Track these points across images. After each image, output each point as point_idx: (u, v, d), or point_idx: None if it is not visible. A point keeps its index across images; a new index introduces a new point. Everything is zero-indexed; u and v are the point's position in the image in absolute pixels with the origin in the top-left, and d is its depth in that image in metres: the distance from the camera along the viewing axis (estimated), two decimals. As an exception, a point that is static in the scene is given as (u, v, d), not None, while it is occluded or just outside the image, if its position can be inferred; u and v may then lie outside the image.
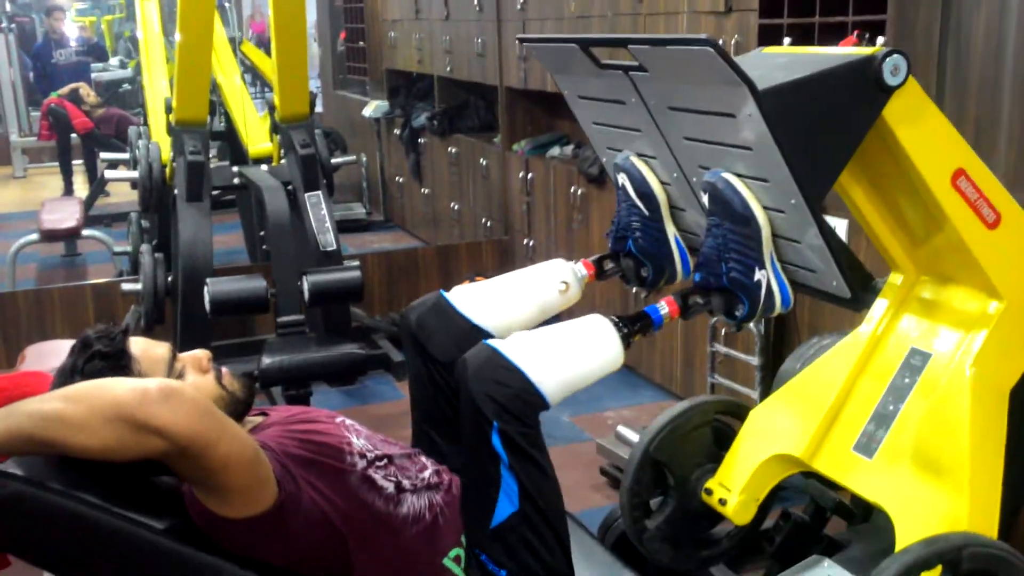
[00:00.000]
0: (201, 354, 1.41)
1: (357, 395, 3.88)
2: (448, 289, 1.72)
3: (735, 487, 1.79)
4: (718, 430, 1.95)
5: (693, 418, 1.92)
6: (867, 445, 1.66)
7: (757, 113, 1.41)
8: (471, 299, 1.66)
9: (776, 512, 2.10)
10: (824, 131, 1.50)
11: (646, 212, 1.79)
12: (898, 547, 1.49)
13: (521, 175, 4.54)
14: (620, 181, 1.83)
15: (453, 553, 1.41)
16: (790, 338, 2.90)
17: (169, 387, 1.15)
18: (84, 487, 1.23)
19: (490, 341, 1.47)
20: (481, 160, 5.00)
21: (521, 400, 1.40)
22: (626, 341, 1.55)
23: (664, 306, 1.62)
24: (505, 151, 4.73)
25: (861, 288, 1.66)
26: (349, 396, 3.90)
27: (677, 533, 1.92)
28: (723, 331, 3.15)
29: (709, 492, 1.83)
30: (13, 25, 9.69)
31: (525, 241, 4.63)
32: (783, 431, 1.80)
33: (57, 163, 7.88)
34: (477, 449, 1.41)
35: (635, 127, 1.76)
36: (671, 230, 1.81)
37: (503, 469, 1.39)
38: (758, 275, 1.56)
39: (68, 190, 7.66)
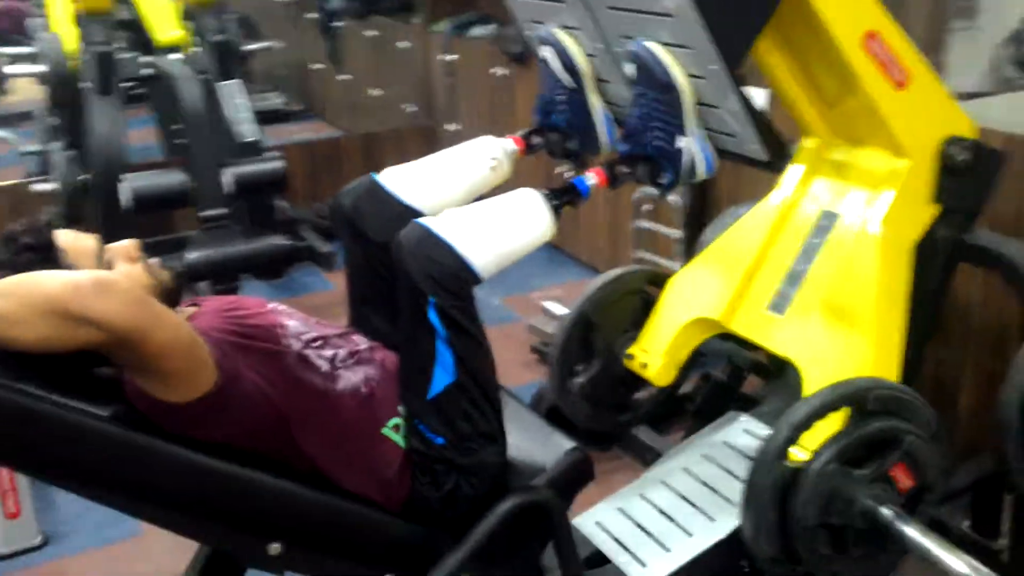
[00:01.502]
0: (129, 244, 1.40)
1: (286, 287, 3.88)
2: None
3: (656, 351, 1.87)
4: (644, 300, 2.03)
5: (624, 285, 1.99)
6: (779, 304, 1.76)
7: None
8: (403, 180, 1.67)
9: (696, 376, 2.21)
10: None
11: (571, 84, 1.80)
12: (805, 395, 1.59)
13: (442, 57, 4.47)
14: (544, 54, 1.83)
15: (392, 423, 1.47)
16: (711, 211, 2.99)
17: (102, 279, 1.16)
18: (25, 379, 1.24)
19: (422, 220, 1.49)
20: (400, 43, 4.90)
21: (455, 276, 1.44)
22: (556, 212, 1.58)
23: (591, 176, 1.65)
24: (425, 32, 4.64)
25: (777, 152, 1.72)
26: (278, 289, 3.90)
27: (598, 395, 2.02)
28: (645, 207, 3.22)
29: (631, 357, 1.91)
30: None
31: (448, 126, 4.60)
32: (701, 296, 1.89)
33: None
34: (414, 325, 1.45)
35: None
36: (596, 102, 1.82)
37: (439, 342, 1.44)
38: (681, 142, 1.60)
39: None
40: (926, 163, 1.73)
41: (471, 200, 1.70)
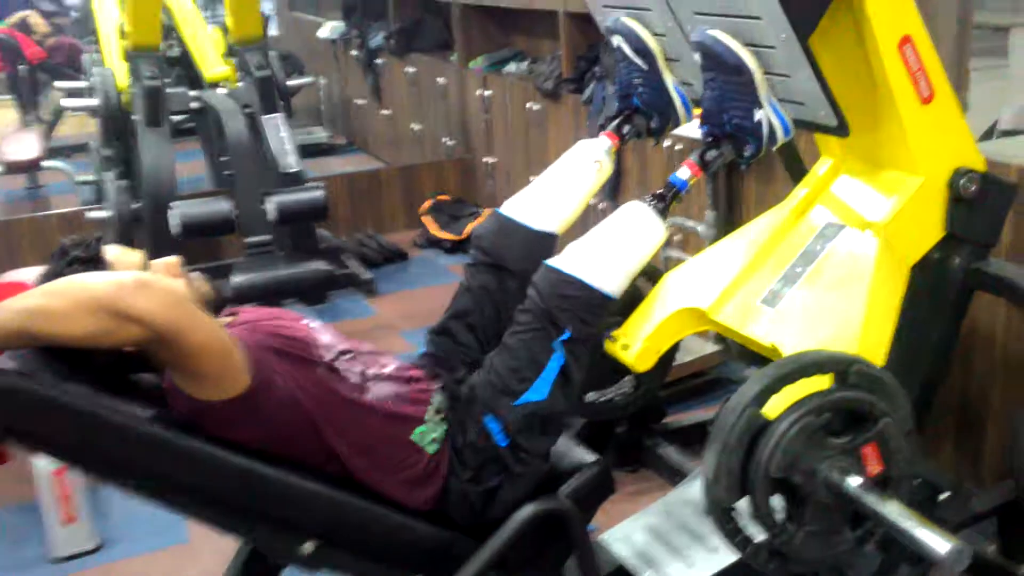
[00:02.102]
0: (173, 259, 1.50)
1: (328, 312, 3.98)
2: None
3: (639, 336, 1.92)
4: (637, 292, 2.06)
5: None
6: (772, 300, 1.81)
7: None
8: (525, 208, 1.79)
9: (722, 402, 2.25)
10: None
11: (644, 67, 1.89)
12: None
13: (479, 93, 4.59)
14: (615, 43, 1.92)
15: (418, 430, 1.55)
16: (740, 212, 3.04)
17: (144, 279, 1.26)
18: (72, 380, 1.34)
19: (550, 262, 1.63)
20: (439, 79, 5.03)
21: (589, 305, 1.58)
22: (663, 215, 1.71)
23: (685, 170, 1.75)
24: (462, 69, 4.77)
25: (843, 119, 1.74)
26: (320, 313, 4.00)
27: None
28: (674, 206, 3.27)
29: (613, 339, 1.96)
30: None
31: (485, 159, 4.70)
32: (694, 289, 1.94)
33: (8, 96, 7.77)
34: (533, 343, 1.57)
35: None
36: (669, 78, 1.91)
37: (551, 364, 1.56)
38: (758, 115, 1.68)
39: (27, 121, 7.56)
40: (937, 186, 1.79)
41: (587, 202, 1.85)
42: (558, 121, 3.96)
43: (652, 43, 1.88)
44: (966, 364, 2.33)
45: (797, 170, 2.16)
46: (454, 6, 4.69)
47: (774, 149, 1.75)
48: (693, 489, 2.16)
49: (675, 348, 2.10)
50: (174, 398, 1.38)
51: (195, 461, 1.39)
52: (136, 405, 1.38)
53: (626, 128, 1.93)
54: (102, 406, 1.33)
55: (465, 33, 4.72)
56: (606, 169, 1.87)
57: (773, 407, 1.45)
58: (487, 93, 4.54)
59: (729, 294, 1.89)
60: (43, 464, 2.35)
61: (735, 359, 3.01)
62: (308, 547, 1.49)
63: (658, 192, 1.74)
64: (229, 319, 1.53)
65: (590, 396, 2.18)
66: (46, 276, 1.40)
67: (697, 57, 1.73)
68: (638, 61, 1.89)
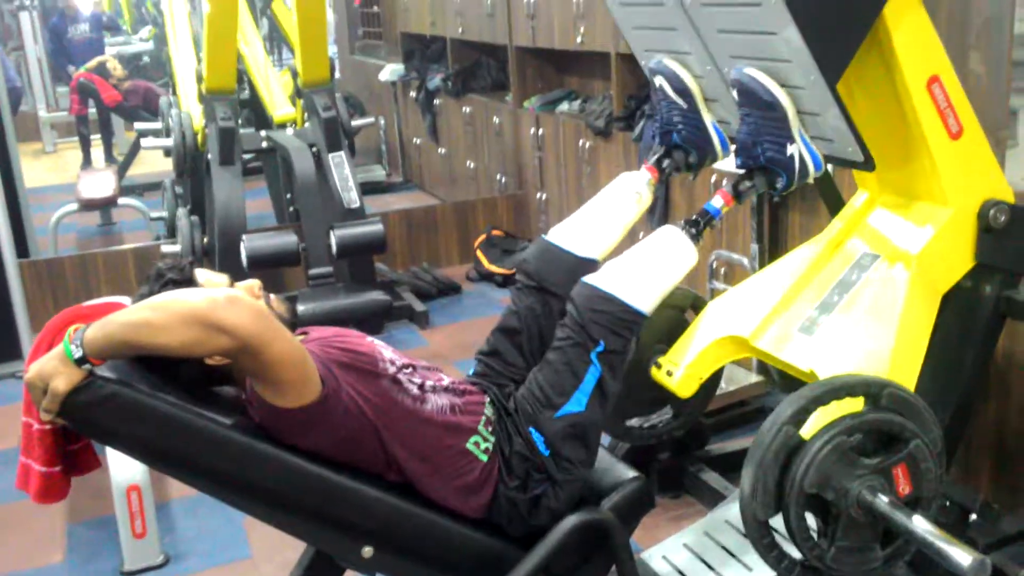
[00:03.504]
0: (253, 282, 1.66)
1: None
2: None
3: (682, 362, 2.02)
4: (683, 320, 2.18)
5: (670, 297, 2.12)
6: (809, 327, 1.90)
7: (780, 1, 1.61)
8: (570, 236, 1.93)
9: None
10: (838, 16, 1.67)
11: (684, 105, 2.01)
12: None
13: (532, 131, 4.75)
14: (657, 83, 2.05)
15: (472, 440, 1.67)
16: (784, 244, 3.12)
17: (234, 295, 1.41)
18: (164, 390, 1.49)
19: (587, 278, 1.76)
20: (494, 118, 5.20)
21: (622, 320, 1.71)
22: (696, 240, 1.83)
23: (719, 199, 1.87)
24: (516, 109, 4.93)
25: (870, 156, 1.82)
26: (376, 343, 4.15)
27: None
28: (722, 238, 3.37)
29: (659, 366, 2.07)
30: (36, 1, 9.90)
31: (538, 195, 4.84)
32: (735, 317, 2.04)
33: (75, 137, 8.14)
34: (573, 357, 1.69)
35: (671, 26, 1.96)
36: (707, 117, 2.02)
37: (588, 376, 1.68)
38: (791, 149, 1.79)
39: (108, 160, 7.93)
40: (967, 217, 1.87)
41: (628, 231, 1.98)
42: (609, 158, 4.09)
43: (692, 83, 2.00)
44: (1003, 391, 2.38)
45: (835, 202, 2.25)
46: (510, 49, 4.87)
47: (807, 182, 1.85)
48: (732, 510, 2.25)
49: (718, 375, 2.20)
50: (254, 406, 1.52)
51: (269, 466, 1.53)
52: (219, 413, 1.53)
53: (666, 162, 2.05)
54: (192, 412, 1.48)
55: (520, 74, 4.89)
56: (646, 200, 1.99)
57: (808, 428, 1.53)
58: (540, 132, 4.69)
59: (769, 322, 1.98)
60: (120, 479, 2.48)
61: (778, 389, 3.08)
62: (368, 551, 1.60)
63: (692, 218, 1.85)
64: (302, 336, 1.68)
65: (633, 422, 2.28)
66: (142, 296, 1.56)
67: (735, 93, 1.84)
68: (678, 100, 2.01)
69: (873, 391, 1.53)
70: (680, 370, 2.03)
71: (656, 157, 2.06)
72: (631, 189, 1.98)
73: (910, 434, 1.53)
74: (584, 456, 1.71)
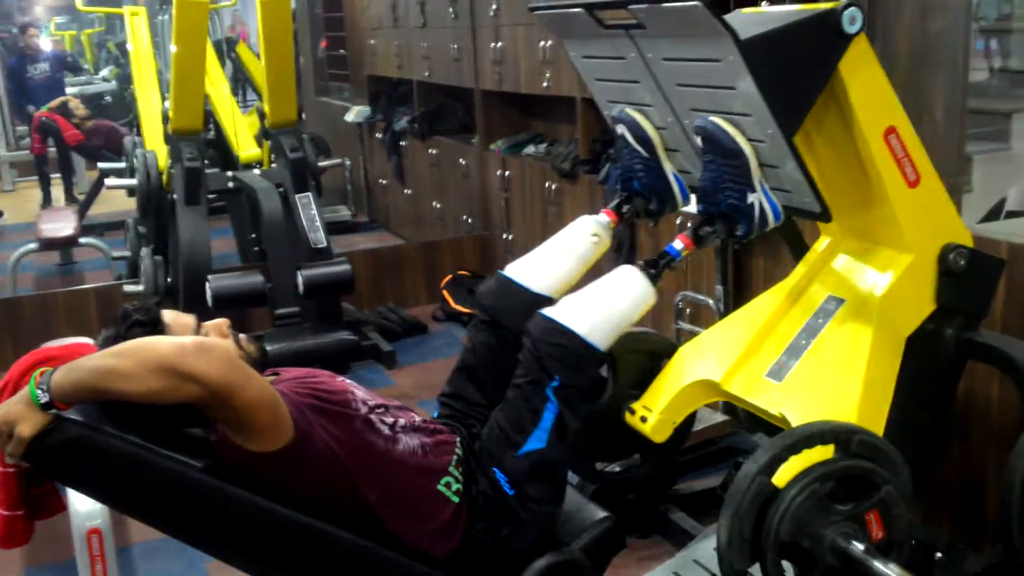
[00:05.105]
0: (222, 321, 1.65)
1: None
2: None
3: (656, 408, 2.03)
4: (657, 367, 2.18)
5: (650, 342, 2.18)
6: (778, 372, 1.93)
7: (739, 57, 1.64)
8: (527, 272, 1.95)
9: (731, 468, 2.35)
10: (794, 73, 1.70)
11: (645, 154, 2.04)
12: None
13: (499, 173, 4.78)
14: (619, 131, 2.07)
15: (443, 481, 1.66)
16: (748, 287, 3.16)
17: (202, 342, 1.40)
18: (132, 432, 1.47)
19: (545, 311, 1.77)
20: (460, 160, 5.23)
21: (577, 355, 1.71)
22: (654, 280, 1.84)
23: (679, 242, 1.89)
24: (483, 151, 4.97)
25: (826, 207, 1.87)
26: (342, 384, 4.12)
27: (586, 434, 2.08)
28: (688, 279, 3.40)
29: (632, 412, 2.07)
30: (-4, 40, 9.85)
31: (504, 236, 4.87)
32: (705, 362, 2.06)
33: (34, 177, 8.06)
34: (529, 393, 1.70)
35: (633, 79, 1.99)
36: (668, 166, 2.05)
37: (547, 413, 1.68)
38: (751, 198, 1.81)
39: (68, 199, 7.86)
40: (927, 262, 1.91)
41: (583, 272, 1.99)
42: (575, 200, 4.13)
43: (653, 133, 2.04)
44: (964, 431, 2.42)
45: (798, 247, 2.30)
46: (476, 92, 4.92)
47: (765, 231, 1.88)
48: (700, 549, 2.25)
49: (691, 419, 2.20)
50: (224, 450, 1.50)
51: (240, 510, 1.51)
52: (188, 456, 1.51)
53: (625, 208, 2.08)
54: (160, 455, 1.47)
55: (486, 117, 4.93)
56: (603, 242, 2.01)
57: (781, 475, 1.56)
58: (507, 173, 4.73)
59: (739, 366, 2.00)
60: (80, 523, 2.44)
61: (744, 429, 3.10)
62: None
63: (652, 259, 1.88)
64: (273, 377, 1.67)
65: (599, 465, 2.28)
66: (108, 340, 1.55)
67: (699, 140, 1.88)
68: (640, 149, 2.04)
69: (843, 438, 1.57)
70: (653, 416, 2.04)
71: (617, 202, 2.09)
72: (589, 231, 2.00)
73: (881, 479, 1.56)
74: (550, 493, 1.71)
